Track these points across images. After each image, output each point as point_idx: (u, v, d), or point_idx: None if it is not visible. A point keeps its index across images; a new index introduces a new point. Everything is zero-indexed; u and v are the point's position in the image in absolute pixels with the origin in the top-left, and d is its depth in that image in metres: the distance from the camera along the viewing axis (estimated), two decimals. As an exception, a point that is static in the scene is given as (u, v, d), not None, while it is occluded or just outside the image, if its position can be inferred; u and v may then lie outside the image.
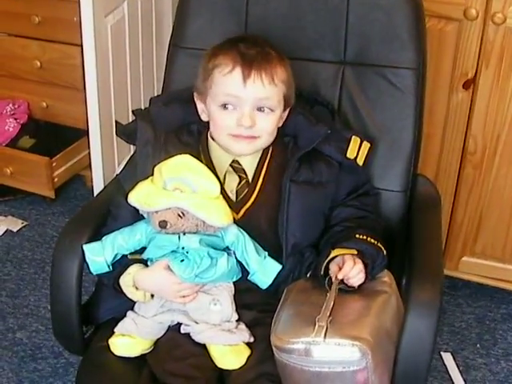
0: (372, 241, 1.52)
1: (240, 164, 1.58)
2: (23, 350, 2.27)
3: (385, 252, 1.53)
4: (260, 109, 1.52)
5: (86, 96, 2.45)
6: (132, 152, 2.69)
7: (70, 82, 2.80)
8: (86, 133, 2.69)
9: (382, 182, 1.72)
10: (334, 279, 1.45)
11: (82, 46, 2.41)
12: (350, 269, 1.45)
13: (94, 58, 2.36)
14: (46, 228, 2.82)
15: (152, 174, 1.48)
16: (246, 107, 1.50)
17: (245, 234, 1.51)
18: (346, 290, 1.46)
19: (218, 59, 1.52)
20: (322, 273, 1.50)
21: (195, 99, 1.60)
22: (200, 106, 1.60)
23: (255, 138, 1.53)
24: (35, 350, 2.27)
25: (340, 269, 1.47)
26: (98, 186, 2.58)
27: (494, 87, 2.10)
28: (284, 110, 1.57)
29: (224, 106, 1.52)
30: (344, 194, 1.62)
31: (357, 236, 1.53)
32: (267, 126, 1.53)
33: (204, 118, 1.59)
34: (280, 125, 1.58)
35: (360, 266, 1.46)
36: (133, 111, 1.64)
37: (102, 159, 2.55)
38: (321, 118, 1.64)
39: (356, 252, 1.49)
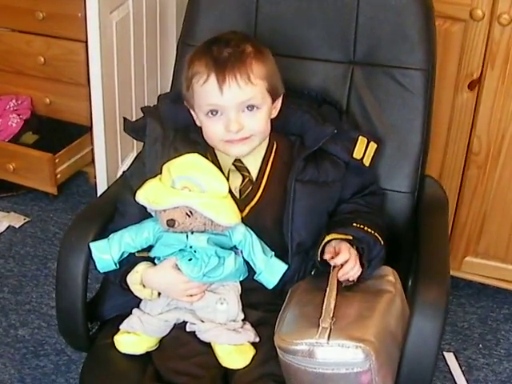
0: (369, 230, 1.52)
1: (242, 163, 1.58)
2: (25, 346, 2.27)
3: (382, 243, 1.53)
4: (245, 108, 1.50)
5: (90, 92, 2.46)
6: (136, 148, 2.73)
7: (73, 79, 2.80)
8: (89, 129, 2.70)
9: (390, 182, 1.72)
10: (329, 260, 1.45)
11: (86, 42, 2.42)
12: (344, 258, 1.45)
13: (98, 54, 2.36)
14: (48, 224, 2.82)
15: (160, 172, 1.48)
16: (230, 113, 1.48)
17: (252, 233, 1.51)
18: (346, 285, 1.46)
19: (195, 67, 1.50)
20: (318, 258, 1.50)
21: (187, 106, 1.58)
22: (192, 112, 1.58)
23: (248, 138, 1.52)
24: (37, 347, 2.27)
25: (337, 253, 1.47)
26: (101, 182, 2.58)
27: (499, 88, 2.09)
28: (273, 101, 1.55)
29: (211, 113, 1.51)
30: (349, 194, 1.62)
31: (354, 224, 1.53)
32: (257, 125, 1.52)
33: (198, 123, 1.58)
34: (274, 116, 1.57)
35: (353, 262, 1.46)
36: (141, 108, 1.63)
37: (106, 155, 2.56)
38: (328, 118, 1.63)
39: (351, 237, 1.49)
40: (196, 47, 1.56)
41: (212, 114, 1.50)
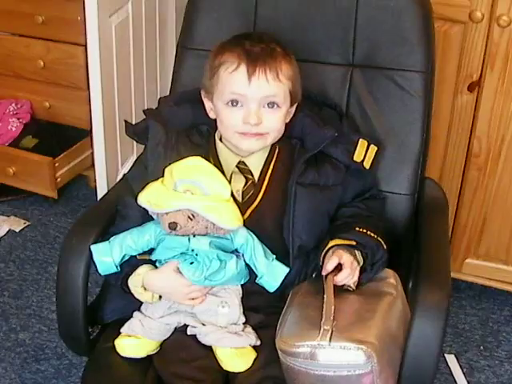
0: (372, 234, 1.53)
1: (246, 165, 1.58)
2: (26, 350, 2.27)
3: (385, 247, 1.54)
4: (266, 105, 1.51)
5: (90, 96, 2.45)
6: (136, 152, 2.72)
7: (73, 82, 2.80)
8: (89, 133, 2.69)
9: (390, 184, 1.72)
10: (324, 271, 1.45)
11: (85, 45, 2.42)
12: (333, 264, 1.45)
13: (98, 57, 2.36)
14: (48, 228, 2.82)
15: (163, 175, 1.48)
16: (251, 105, 1.50)
17: (254, 236, 1.51)
18: (347, 289, 1.46)
19: (224, 57, 1.52)
20: (321, 263, 1.49)
21: (203, 97, 1.60)
22: (208, 104, 1.60)
23: (263, 135, 1.53)
24: (38, 351, 2.27)
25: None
26: (101, 186, 2.58)
27: (498, 90, 2.10)
28: (291, 105, 1.57)
29: (231, 103, 1.52)
30: (350, 198, 1.63)
31: (356, 229, 1.53)
32: (274, 123, 1.53)
33: (212, 115, 1.60)
34: (287, 120, 1.58)
35: (348, 270, 1.45)
36: (144, 111, 1.63)
37: (106, 159, 2.56)
38: (328, 121, 1.64)
39: (354, 243, 1.49)
40: (224, 41, 1.57)
41: (233, 104, 1.52)
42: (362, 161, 1.61)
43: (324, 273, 1.45)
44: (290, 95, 1.54)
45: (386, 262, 1.54)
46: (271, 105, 1.52)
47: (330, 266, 1.45)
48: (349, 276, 1.45)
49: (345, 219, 1.59)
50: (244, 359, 1.47)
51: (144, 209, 1.49)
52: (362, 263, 1.49)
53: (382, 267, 1.53)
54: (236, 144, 1.56)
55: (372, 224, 1.57)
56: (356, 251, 1.50)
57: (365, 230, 1.53)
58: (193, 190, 1.44)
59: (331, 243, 1.50)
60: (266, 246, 1.53)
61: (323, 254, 1.50)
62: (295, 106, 1.59)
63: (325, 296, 1.40)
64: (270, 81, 1.49)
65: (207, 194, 1.44)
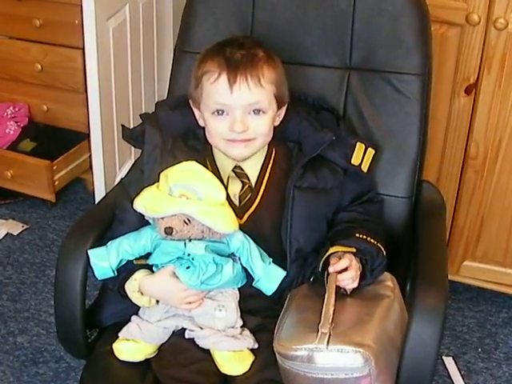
0: (372, 241, 1.52)
1: (242, 169, 1.58)
2: (24, 354, 2.27)
3: (384, 253, 1.53)
4: (252, 111, 1.51)
5: (88, 99, 2.45)
6: (133, 155, 2.72)
7: (70, 86, 2.81)
8: (87, 136, 2.69)
9: (387, 187, 1.72)
10: (330, 271, 1.45)
11: (83, 49, 2.41)
12: (344, 265, 1.44)
13: (95, 61, 2.36)
14: (46, 231, 2.82)
15: (158, 180, 1.48)
16: (236, 113, 1.50)
17: (250, 240, 1.51)
18: (341, 293, 1.45)
19: (206, 66, 1.52)
20: (320, 269, 1.49)
21: (192, 106, 1.60)
22: (196, 112, 1.60)
23: (251, 141, 1.53)
24: (36, 354, 2.27)
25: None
26: (98, 189, 2.58)
27: (495, 92, 2.10)
28: (279, 108, 1.56)
29: (217, 113, 1.52)
30: (348, 201, 1.63)
31: (356, 235, 1.53)
32: (261, 128, 1.53)
33: (202, 123, 1.59)
34: (277, 124, 1.58)
35: (352, 272, 1.45)
36: (140, 115, 1.63)
37: (103, 162, 2.55)
38: (326, 124, 1.63)
39: (354, 250, 1.48)
40: (207, 48, 1.57)
41: (218, 113, 1.52)
42: (360, 164, 1.61)
43: (331, 270, 1.44)
44: (276, 99, 1.54)
45: (384, 268, 1.54)
46: (256, 111, 1.51)
47: (340, 265, 1.45)
48: (351, 278, 1.45)
49: (344, 224, 1.59)
50: (242, 362, 1.48)
51: (140, 214, 1.50)
52: (360, 270, 1.49)
53: (380, 273, 1.53)
54: (225, 152, 1.56)
55: (372, 229, 1.57)
56: (356, 258, 1.49)
57: (365, 236, 1.53)
58: (188, 195, 1.44)
59: (331, 250, 1.49)
60: (264, 250, 1.53)
61: (323, 260, 1.49)
62: (284, 108, 1.59)
63: (326, 295, 1.40)
64: (251, 88, 1.49)
65: (202, 199, 1.44)
